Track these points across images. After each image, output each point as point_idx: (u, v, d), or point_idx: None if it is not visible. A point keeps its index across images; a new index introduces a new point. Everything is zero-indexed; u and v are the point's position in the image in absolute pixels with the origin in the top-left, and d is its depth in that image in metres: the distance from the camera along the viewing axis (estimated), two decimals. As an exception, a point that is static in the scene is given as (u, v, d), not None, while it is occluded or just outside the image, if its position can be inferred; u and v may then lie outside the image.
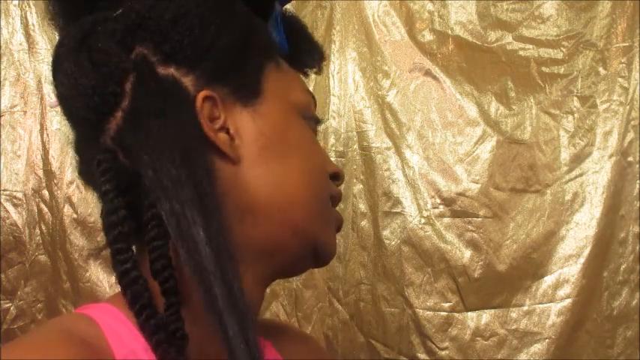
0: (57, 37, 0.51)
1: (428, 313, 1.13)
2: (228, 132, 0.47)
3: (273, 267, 0.50)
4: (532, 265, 1.11)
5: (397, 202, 1.15)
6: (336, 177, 0.56)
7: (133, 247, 0.45)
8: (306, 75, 0.60)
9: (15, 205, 1.21)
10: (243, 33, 0.50)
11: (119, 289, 0.44)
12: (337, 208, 0.56)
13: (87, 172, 0.50)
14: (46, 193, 1.20)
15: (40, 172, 1.21)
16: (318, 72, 0.62)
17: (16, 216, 1.21)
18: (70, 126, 0.49)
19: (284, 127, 0.51)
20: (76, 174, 0.52)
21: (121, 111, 0.45)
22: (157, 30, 0.46)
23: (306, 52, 0.59)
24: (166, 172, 0.42)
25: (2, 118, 1.21)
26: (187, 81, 0.46)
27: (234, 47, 0.49)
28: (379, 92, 1.16)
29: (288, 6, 0.58)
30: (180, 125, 0.44)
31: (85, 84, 0.45)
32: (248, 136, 0.48)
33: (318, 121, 0.56)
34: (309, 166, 0.52)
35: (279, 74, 0.52)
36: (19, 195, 1.21)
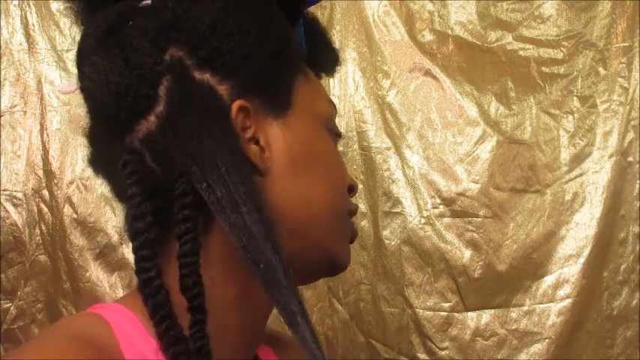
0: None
1: (428, 313, 1.13)
2: (258, 143, 0.46)
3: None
4: (532, 265, 1.11)
5: (397, 202, 1.15)
6: (351, 189, 0.56)
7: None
8: (320, 78, 0.59)
9: (15, 205, 1.21)
10: (279, 42, 0.49)
11: (120, 290, 0.44)
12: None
13: (99, 163, 0.50)
14: (46, 193, 1.20)
15: (40, 172, 1.21)
16: (332, 75, 0.61)
17: (16, 216, 1.21)
18: (92, 118, 0.48)
19: (311, 141, 0.50)
20: (87, 162, 0.51)
21: (154, 115, 0.44)
22: (193, 33, 0.45)
23: (323, 56, 0.58)
24: (219, 184, 0.41)
25: (2, 118, 1.21)
26: (222, 89, 0.45)
27: (271, 57, 0.48)
28: (379, 92, 1.16)
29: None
30: (218, 135, 0.43)
31: (117, 82, 0.44)
32: (277, 149, 0.47)
33: (339, 135, 0.55)
34: (332, 181, 0.52)
35: (307, 84, 0.52)
36: (19, 195, 1.21)
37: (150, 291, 0.42)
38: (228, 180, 0.42)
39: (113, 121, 0.45)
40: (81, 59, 0.47)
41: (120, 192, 0.49)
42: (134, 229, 0.43)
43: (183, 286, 0.42)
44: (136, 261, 0.43)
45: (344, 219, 0.53)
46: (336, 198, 0.52)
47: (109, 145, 0.47)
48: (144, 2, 0.47)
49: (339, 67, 0.60)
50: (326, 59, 0.59)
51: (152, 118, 0.44)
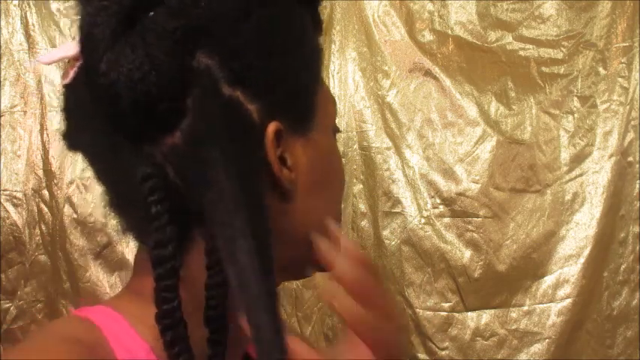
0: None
1: (428, 313, 1.13)
2: (285, 164, 0.44)
3: (282, 278, 0.49)
4: (532, 265, 1.11)
5: (397, 202, 1.15)
6: None
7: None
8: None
9: (15, 205, 1.21)
10: (312, 60, 0.47)
11: (119, 290, 0.43)
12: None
13: (89, 146, 0.45)
14: (46, 193, 1.20)
15: (40, 172, 1.21)
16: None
17: (16, 216, 1.21)
18: (102, 120, 0.42)
19: (328, 155, 0.49)
20: (62, 136, 0.46)
21: (180, 130, 0.40)
22: (227, 43, 0.41)
23: None
24: (233, 210, 0.39)
25: (2, 118, 1.21)
26: (252, 108, 0.42)
27: (305, 78, 0.46)
28: (379, 92, 1.16)
29: None
30: (247, 157, 0.40)
31: (147, 92, 0.39)
32: (302, 168, 0.45)
33: (339, 132, 0.53)
34: (340, 192, 0.51)
35: (323, 92, 0.49)
36: (19, 195, 1.21)
37: (170, 323, 0.40)
38: (253, 207, 0.40)
39: (134, 131, 0.41)
40: (91, 49, 0.40)
41: (118, 192, 0.46)
42: (159, 256, 0.40)
43: (208, 317, 0.41)
44: (158, 289, 0.40)
45: None
46: (341, 205, 0.52)
47: (116, 144, 0.42)
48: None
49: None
50: None
51: (178, 132, 0.40)
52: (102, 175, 0.46)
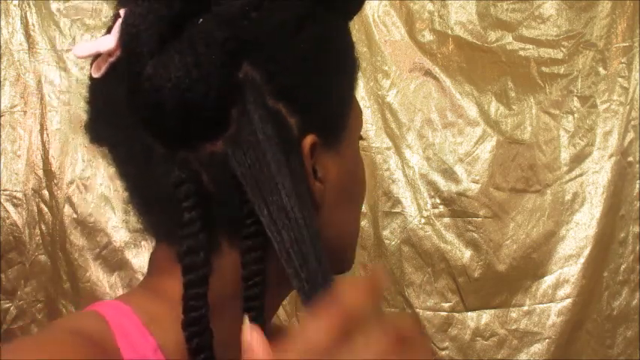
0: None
1: (428, 313, 1.13)
2: (316, 176, 0.44)
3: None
4: (532, 265, 1.11)
5: (397, 202, 1.15)
6: None
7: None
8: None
9: (15, 205, 1.21)
10: (353, 78, 0.48)
11: (120, 290, 0.44)
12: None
13: (114, 140, 0.44)
14: (46, 193, 1.20)
15: (40, 172, 1.21)
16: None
17: (16, 216, 1.20)
18: (137, 120, 0.41)
19: (355, 168, 0.49)
20: (86, 127, 0.45)
21: (222, 138, 0.40)
22: (274, 58, 0.41)
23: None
24: (284, 221, 0.39)
25: (2, 118, 1.21)
26: (292, 122, 0.42)
27: (345, 96, 0.46)
28: (379, 92, 1.16)
29: None
30: (289, 171, 0.40)
31: (195, 100, 0.38)
32: (331, 181, 0.45)
33: (361, 138, 0.53)
34: (362, 202, 0.52)
35: (355, 106, 0.49)
36: (19, 195, 1.21)
37: (197, 330, 0.40)
38: (293, 218, 0.40)
39: (172, 137, 0.40)
40: (137, 51, 0.39)
41: (135, 185, 0.45)
42: (190, 263, 0.40)
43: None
44: (186, 297, 0.40)
45: None
46: (360, 216, 0.53)
47: (146, 145, 0.41)
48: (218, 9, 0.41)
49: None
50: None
51: (219, 141, 0.40)
52: (125, 172, 0.46)
